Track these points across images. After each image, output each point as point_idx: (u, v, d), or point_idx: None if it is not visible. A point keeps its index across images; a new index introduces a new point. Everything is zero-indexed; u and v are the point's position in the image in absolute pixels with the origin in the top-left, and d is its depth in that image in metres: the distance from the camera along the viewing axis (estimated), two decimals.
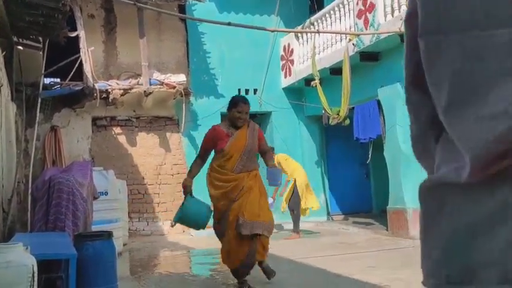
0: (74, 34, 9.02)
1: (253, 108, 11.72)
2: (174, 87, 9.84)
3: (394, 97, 8.39)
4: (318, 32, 8.63)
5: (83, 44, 9.25)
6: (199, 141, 11.07)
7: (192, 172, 5.08)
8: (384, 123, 8.80)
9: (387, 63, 8.64)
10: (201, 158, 5.11)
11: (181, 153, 10.65)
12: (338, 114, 9.25)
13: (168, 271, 6.36)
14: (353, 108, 9.29)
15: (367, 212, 11.64)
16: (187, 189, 4.98)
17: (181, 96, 10.05)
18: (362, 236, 8.75)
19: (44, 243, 3.91)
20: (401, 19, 7.44)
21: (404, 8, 7.61)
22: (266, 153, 5.17)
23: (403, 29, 7.12)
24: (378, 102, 8.96)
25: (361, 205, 11.80)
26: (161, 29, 10.64)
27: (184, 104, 10.33)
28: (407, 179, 8.03)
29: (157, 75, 9.93)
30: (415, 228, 7.97)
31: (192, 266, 7.23)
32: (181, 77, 10.11)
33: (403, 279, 4.99)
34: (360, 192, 11.90)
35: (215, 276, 5.89)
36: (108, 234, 4.18)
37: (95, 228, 5.53)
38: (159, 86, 9.79)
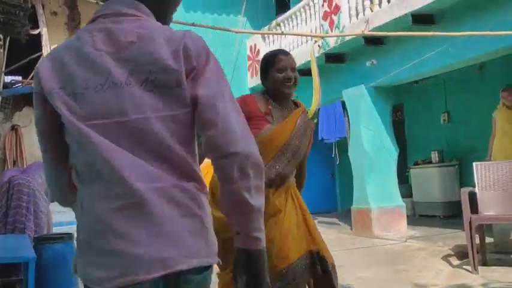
0: (36, 32, 8.83)
1: None
2: None
3: (358, 98, 8.51)
4: (283, 33, 8.68)
5: (45, 41, 9.06)
6: None
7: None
8: (349, 124, 8.91)
9: (352, 65, 8.75)
10: None
11: None
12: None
13: None
14: (318, 109, 9.37)
15: (332, 212, 11.76)
16: None
17: None
18: (327, 235, 8.80)
19: (2, 246, 3.82)
20: (365, 21, 7.54)
21: (368, 12, 7.72)
22: (302, 167, 3.11)
23: (367, 31, 7.23)
24: (343, 103, 9.06)
25: (326, 205, 11.91)
26: None
27: None
28: (370, 179, 8.15)
29: None
30: (378, 228, 8.10)
31: None
32: None
33: (366, 277, 5.06)
34: (325, 192, 12.01)
35: None
36: (70, 237, 4.10)
37: (56, 229, 5.43)
38: None
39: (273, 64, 2.87)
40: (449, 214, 9.01)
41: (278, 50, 3.05)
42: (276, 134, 2.81)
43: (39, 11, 9.02)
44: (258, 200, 1.29)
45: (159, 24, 1.38)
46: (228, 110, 1.34)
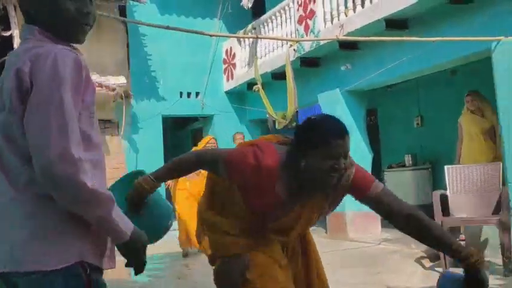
0: (7, 33, 8.69)
1: (195, 111, 11.75)
2: (113, 90, 9.64)
3: (333, 102, 8.58)
4: (258, 37, 8.70)
5: (17, 43, 8.91)
6: (140, 145, 10.94)
7: (161, 174, 2.27)
8: None
9: (327, 69, 8.82)
10: (192, 168, 2.42)
11: (121, 156, 10.44)
12: (283, 119, 9.33)
13: (107, 277, 6.20)
14: (297, 112, 9.41)
15: None
16: (142, 195, 2.16)
17: (121, 98, 9.87)
18: None
19: None
20: (340, 26, 7.61)
21: (343, 17, 7.79)
22: (403, 212, 2.27)
23: (341, 36, 7.30)
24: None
25: None
26: (101, 30, 10.38)
27: (124, 107, 10.14)
28: None
29: (96, 77, 9.69)
30: (353, 231, 8.17)
31: (131, 271, 7.09)
32: (121, 79, 9.91)
33: (341, 280, 5.09)
34: None
35: (155, 283, 5.82)
36: None
37: None
38: (98, 88, 9.55)
39: (321, 147, 2.07)
40: None
41: (331, 126, 2.20)
42: (292, 225, 2.29)
43: (11, 12, 8.88)
44: (95, 213, 1.44)
45: (28, 46, 1.47)
46: (46, 136, 1.36)
